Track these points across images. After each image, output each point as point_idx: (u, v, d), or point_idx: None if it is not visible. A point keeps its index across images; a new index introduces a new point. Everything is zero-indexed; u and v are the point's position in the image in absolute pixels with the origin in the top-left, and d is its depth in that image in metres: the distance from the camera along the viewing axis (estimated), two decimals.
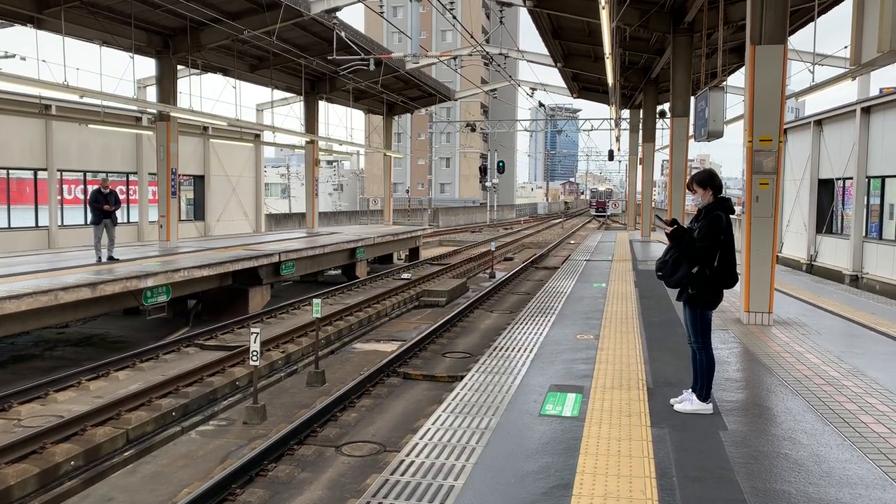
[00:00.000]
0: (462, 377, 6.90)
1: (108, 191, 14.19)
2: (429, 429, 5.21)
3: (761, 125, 8.98)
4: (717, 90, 13.26)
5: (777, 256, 21.51)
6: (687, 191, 5.70)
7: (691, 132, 17.78)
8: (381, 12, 18.68)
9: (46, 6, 14.76)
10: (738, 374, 6.83)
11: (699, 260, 5.25)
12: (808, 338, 8.45)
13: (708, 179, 5.42)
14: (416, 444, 4.91)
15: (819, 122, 22.88)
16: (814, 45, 13.98)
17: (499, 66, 24.39)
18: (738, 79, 30.86)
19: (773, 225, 9.20)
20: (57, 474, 7.17)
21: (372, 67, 20.61)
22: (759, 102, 8.97)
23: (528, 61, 26.24)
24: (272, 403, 9.46)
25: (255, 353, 8.64)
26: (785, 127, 23.35)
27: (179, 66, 18.99)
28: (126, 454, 7.86)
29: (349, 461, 7.38)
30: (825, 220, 22.56)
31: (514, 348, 7.88)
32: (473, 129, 55.27)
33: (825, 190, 22.78)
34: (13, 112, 17.48)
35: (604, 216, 72.59)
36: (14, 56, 20.17)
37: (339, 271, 22.70)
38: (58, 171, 20.07)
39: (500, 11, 19.62)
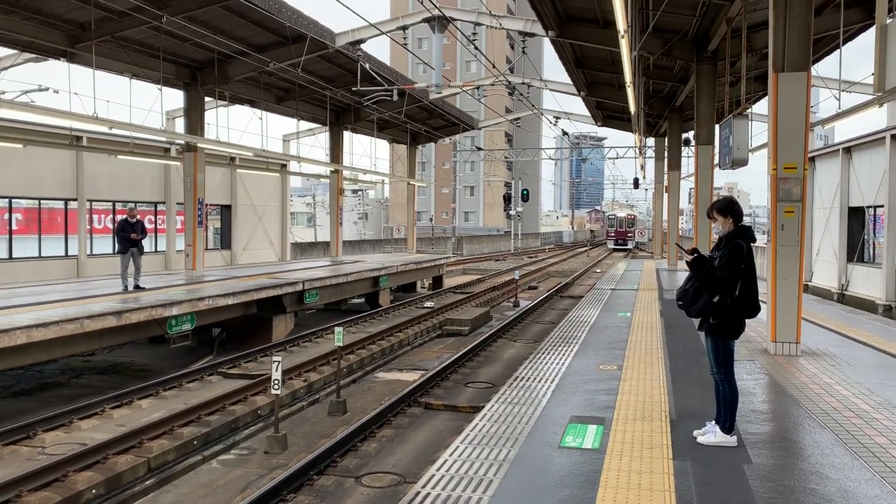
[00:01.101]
0: (482, 407, 6.84)
1: (135, 220, 14.42)
2: (446, 460, 5.15)
3: (785, 153, 8.89)
4: (741, 118, 13.16)
5: (806, 285, 21.17)
6: (708, 219, 5.64)
7: (716, 160, 17.66)
8: (406, 44, 18.91)
9: (79, 41, 15.16)
10: (764, 405, 6.68)
11: (720, 289, 5.17)
12: (837, 369, 8.26)
13: (728, 207, 5.36)
14: (433, 475, 4.86)
15: (848, 150, 22.61)
16: (839, 72, 13.86)
17: (522, 95, 24.51)
18: (763, 106, 30.68)
19: (799, 253, 9.05)
20: (78, 502, 7.19)
21: (396, 98, 20.83)
22: (783, 130, 8.88)
23: (551, 90, 26.36)
24: (293, 432, 9.44)
25: (276, 382, 8.64)
26: (812, 154, 23.21)
27: (207, 98, 19.35)
28: (147, 483, 7.87)
29: (368, 492, 7.31)
30: (856, 248, 22.18)
31: (535, 378, 7.80)
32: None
33: (855, 218, 22.42)
34: (46, 143, 17.91)
35: (625, 249, 59.52)
36: (47, 89, 20.71)
37: (362, 299, 22.74)
38: (88, 200, 20.45)
39: (524, 42, 19.75)
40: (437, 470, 4.95)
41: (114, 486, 7.63)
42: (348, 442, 8.65)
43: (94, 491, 7.38)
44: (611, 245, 63.74)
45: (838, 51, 14.48)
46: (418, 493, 4.55)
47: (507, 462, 5.06)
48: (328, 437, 8.93)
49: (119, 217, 18.62)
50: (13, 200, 19.06)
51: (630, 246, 61.02)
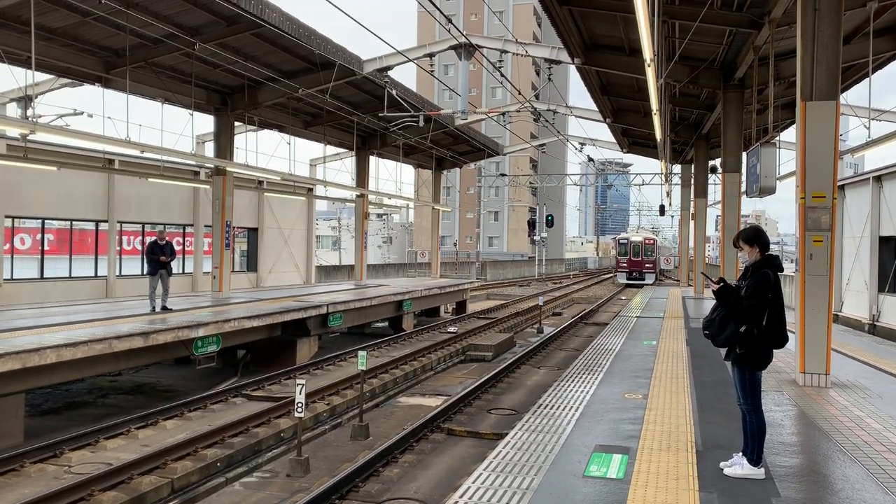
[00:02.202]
0: (506, 434, 6.79)
1: (164, 242, 14.63)
2: (469, 487, 5.12)
3: (814, 182, 8.81)
4: (768, 146, 13.08)
5: (836, 316, 20.83)
6: (734, 247, 5.60)
7: (743, 188, 17.54)
8: (432, 71, 19.11)
9: (114, 66, 15.54)
10: (793, 437, 6.56)
11: (747, 319, 5.12)
12: (868, 401, 8.10)
13: (754, 236, 5.33)
14: (456, 502, 4.83)
15: (878, 178, 22.31)
16: (869, 100, 13.77)
17: (547, 121, 24.60)
18: (791, 134, 30.46)
19: (828, 283, 8.93)
20: None
21: (422, 124, 21.00)
22: (812, 159, 8.82)
23: (576, 117, 26.42)
24: (316, 456, 9.44)
25: (300, 405, 8.67)
26: (842, 183, 22.95)
27: (236, 123, 19.68)
28: None
29: None
30: (888, 278, 21.79)
31: (559, 406, 7.74)
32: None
33: (887, 247, 22.05)
34: (79, 166, 18.29)
35: (641, 284, 44.44)
36: (82, 113, 21.20)
37: (385, 323, 22.77)
38: (118, 222, 20.80)
39: (549, 69, 19.88)
40: (460, 497, 4.93)
41: None
42: (370, 467, 8.63)
43: None
44: (622, 279, 47.47)
45: (867, 79, 14.38)
46: None
47: (531, 490, 5.02)
48: (350, 462, 8.92)
49: (148, 239, 18.92)
50: (46, 221, 19.46)
51: (649, 281, 45.41)
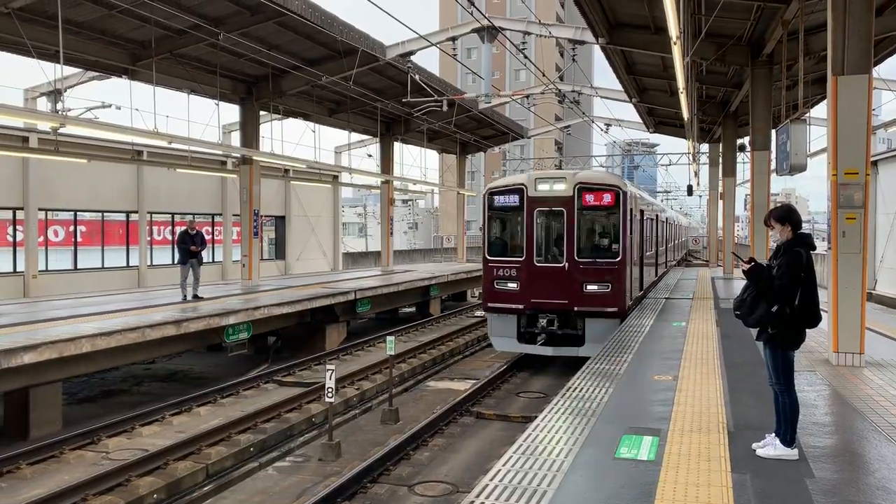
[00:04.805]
0: (535, 417, 6.80)
1: (194, 232, 14.80)
2: (499, 470, 5.14)
3: (846, 158, 8.64)
4: (799, 123, 12.84)
5: (870, 294, 20.52)
6: (765, 226, 5.52)
7: (773, 166, 17.27)
8: (455, 54, 19.01)
9: (140, 59, 15.69)
10: (827, 418, 6.49)
11: (779, 298, 5.05)
12: None
13: (786, 215, 5.25)
14: (487, 485, 4.85)
15: None
16: None
17: (572, 102, 24.38)
18: (821, 110, 29.89)
19: (862, 261, 8.78)
20: None
21: (445, 108, 20.91)
22: (844, 135, 8.64)
23: (601, 97, 26.15)
24: (347, 440, 9.54)
25: (330, 391, 8.76)
26: (875, 158, 22.48)
27: (262, 112, 19.79)
28: (205, 489, 8.05)
29: (422, 501, 7.34)
30: None
31: (589, 388, 7.72)
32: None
33: None
34: (108, 158, 18.54)
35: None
36: (110, 106, 21.46)
37: (413, 309, 22.85)
38: (148, 213, 21.08)
39: (573, 49, 19.65)
40: (491, 480, 4.95)
41: (174, 491, 7.83)
42: (401, 450, 8.71)
43: (155, 496, 7.59)
44: (500, 346, 14.29)
45: None
46: (472, 502, 4.56)
47: (562, 473, 5.02)
48: (381, 446, 9.00)
49: (178, 229, 19.15)
50: (78, 213, 19.78)
51: (583, 354, 12.72)
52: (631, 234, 13.52)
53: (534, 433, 6.05)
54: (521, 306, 13.23)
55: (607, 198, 13.05)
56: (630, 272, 13.57)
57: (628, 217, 13.25)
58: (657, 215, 20.83)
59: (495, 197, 13.75)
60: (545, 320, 13.05)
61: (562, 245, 13.12)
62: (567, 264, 12.96)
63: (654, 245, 20.06)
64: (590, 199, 13.08)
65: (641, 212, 15.66)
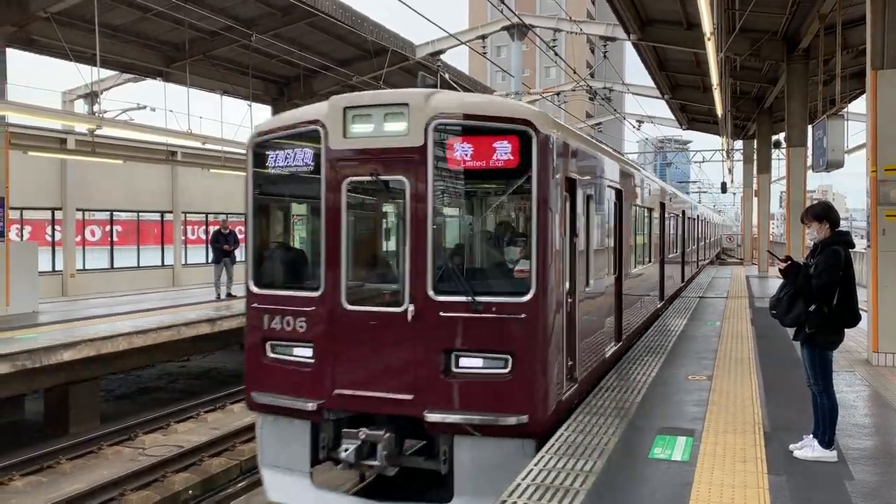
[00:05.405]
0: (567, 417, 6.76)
1: (227, 231, 14.97)
2: (531, 469, 5.12)
3: (886, 154, 8.45)
4: (836, 118, 12.60)
5: None
6: (802, 224, 5.42)
7: (809, 162, 16.96)
8: (485, 52, 19.00)
9: (174, 61, 15.94)
10: (866, 419, 6.36)
11: (816, 297, 4.96)
12: None
13: (824, 212, 5.14)
14: (519, 485, 4.83)
15: None
16: None
17: (604, 99, 24.20)
18: (859, 106, 29.27)
19: None
20: (176, 503, 7.51)
21: None
22: (883, 130, 8.46)
23: (633, 94, 25.93)
24: None
25: None
26: None
27: None
28: (239, 485, 8.14)
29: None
30: None
31: (622, 388, 7.66)
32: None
33: None
34: (143, 159, 18.85)
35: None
36: (145, 107, 21.81)
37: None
38: (182, 213, 21.39)
39: (605, 46, 19.53)
40: (523, 479, 4.93)
41: (208, 487, 7.94)
42: None
43: (190, 492, 7.70)
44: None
45: None
46: (505, 501, 4.55)
47: (594, 473, 4.99)
48: None
49: (212, 228, 19.41)
50: (114, 214, 20.15)
51: None
52: (570, 234, 6.63)
53: (566, 433, 6.02)
54: (314, 403, 6.13)
55: (503, 150, 5.89)
56: (562, 323, 6.28)
57: (556, 196, 5.99)
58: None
59: (268, 153, 6.84)
60: (362, 437, 5.96)
61: (401, 263, 6.22)
62: (412, 307, 5.97)
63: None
64: (462, 152, 6.02)
65: (633, 192, 10.23)
